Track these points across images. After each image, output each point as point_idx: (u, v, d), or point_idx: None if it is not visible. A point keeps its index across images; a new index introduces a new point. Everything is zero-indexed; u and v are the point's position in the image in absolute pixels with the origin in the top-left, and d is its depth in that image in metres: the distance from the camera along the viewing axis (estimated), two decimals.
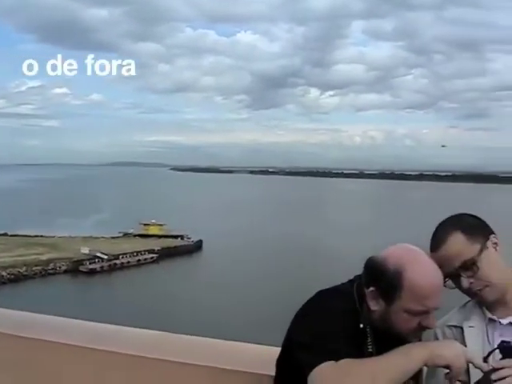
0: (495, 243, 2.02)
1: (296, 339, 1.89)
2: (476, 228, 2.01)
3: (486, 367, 1.75)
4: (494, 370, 1.72)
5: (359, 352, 1.82)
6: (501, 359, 1.76)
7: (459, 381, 1.85)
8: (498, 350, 1.81)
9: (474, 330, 2.02)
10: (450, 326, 2.08)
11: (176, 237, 70.83)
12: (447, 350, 1.79)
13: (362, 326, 1.89)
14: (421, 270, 1.84)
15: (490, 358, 1.81)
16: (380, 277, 1.87)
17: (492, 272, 1.97)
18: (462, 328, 2.04)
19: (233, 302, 40.60)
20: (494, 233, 2.04)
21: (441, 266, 1.93)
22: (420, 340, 1.92)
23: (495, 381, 1.70)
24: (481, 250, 1.96)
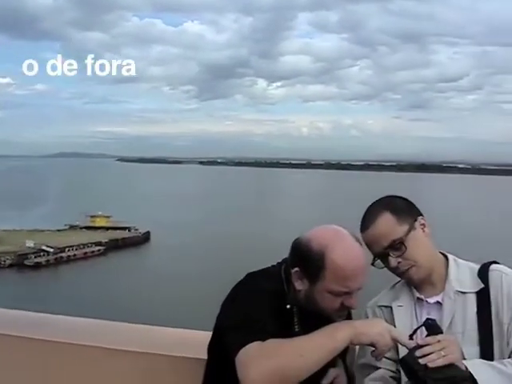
0: (423, 224, 2.08)
1: (224, 322, 1.91)
2: (404, 209, 2.07)
3: (410, 344, 1.81)
4: (419, 346, 1.78)
5: (286, 332, 1.82)
6: (426, 336, 1.82)
7: (388, 359, 1.96)
8: (424, 328, 1.86)
9: (403, 309, 2.09)
10: (380, 306, 2.14)
11: (123, 229, 69.76)
12: (371, 329, 1.82)
13: (288, 306, 1.92)
14: (343, 251, 1.85)
15: (417, 335, 1.86)
16: (304, 257, 1.88)
17: (419, 252, 2.03)
18: (391, 307, 2.11)
19: (180, 293, 40.45)
20: (421, 214, 2.10)
21: (370, 246, 2.03)
22: (349, 318, 1.97)
23: (419, 357, 1.77)
24: (408, 231, 2.02)
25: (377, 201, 2.13)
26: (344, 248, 1.87)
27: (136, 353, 2.57)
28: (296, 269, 1.92)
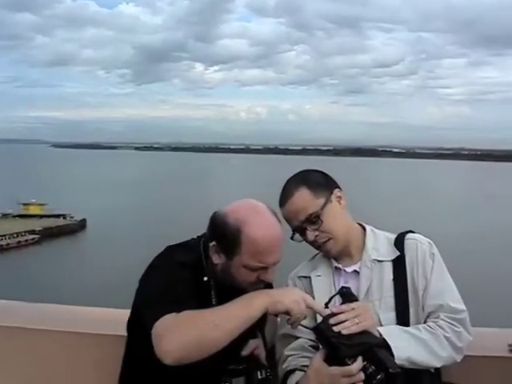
0: (339, 197, 2.10)
1: (141, 295, 1.92)
2: (320, 183, 2.10)
3: (325, 312, 1.84)
4: (333, 314, 1.81)
5: (203, 305, 1.81)
6: (341, 304, 1.87)
7: (307, 328, 1.94)
8: (339, 296, 1.89)
9: (322, 278, 2.12)
10: (300, 277, 2.17)
11: (58, 216, 68.28)
12: (287, 297, 1.83)
13: (205, 278, 1.93)
14: (259, 226, 1.85)
15: (335, 303, 1.89)
16: (221, 231, 1.89)
17: (335, 225, 2.06)
18: (310, 278, 2.14)
19: (118, 280, 40.04)
20: (338, 187, 2.12)
21: (288, 221, 2.06)
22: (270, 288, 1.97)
23: (334, 325, 1.79)
24: (324, 204, 2.05)
25: (294, 176, 2.15)
26: (260, 223, 1.87)
27: (60, 332, 2.59)
28: (213, 243, 1.92)
